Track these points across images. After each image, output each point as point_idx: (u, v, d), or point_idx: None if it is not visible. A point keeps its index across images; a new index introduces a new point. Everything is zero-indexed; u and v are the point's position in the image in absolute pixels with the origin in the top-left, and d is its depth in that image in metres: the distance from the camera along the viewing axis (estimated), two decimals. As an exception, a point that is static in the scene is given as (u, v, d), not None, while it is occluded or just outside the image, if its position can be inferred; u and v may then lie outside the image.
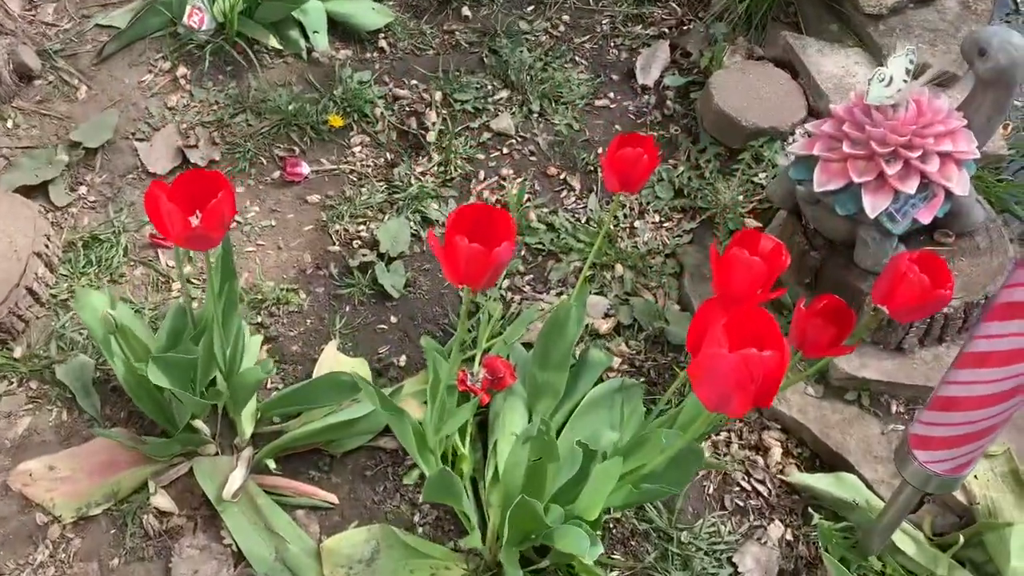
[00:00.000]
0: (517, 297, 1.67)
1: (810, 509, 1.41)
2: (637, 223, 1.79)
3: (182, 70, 2.00)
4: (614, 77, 2.06)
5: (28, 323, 1.59)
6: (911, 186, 1.38)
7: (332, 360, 1.51)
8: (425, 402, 1.46)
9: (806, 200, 1.49)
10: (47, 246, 1.64)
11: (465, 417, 1.20)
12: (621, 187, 1.23)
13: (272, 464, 1.38)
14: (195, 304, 1.63)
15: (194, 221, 1.03)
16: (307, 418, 1.43)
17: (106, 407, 1.50)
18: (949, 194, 1.41)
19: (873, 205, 1.39)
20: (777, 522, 1.41)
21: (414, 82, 2.01)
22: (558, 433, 1.37)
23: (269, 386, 1.54)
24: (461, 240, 0.84)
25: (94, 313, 1.39)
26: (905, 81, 1.36)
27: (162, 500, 1.37)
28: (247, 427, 1.41)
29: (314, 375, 1.49)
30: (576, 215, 1.81)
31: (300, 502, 1.39)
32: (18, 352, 1.55)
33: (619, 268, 1.70)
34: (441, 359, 1.40)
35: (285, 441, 1.39)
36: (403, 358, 1.58)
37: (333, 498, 1.40)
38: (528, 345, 1.52)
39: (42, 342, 1.57)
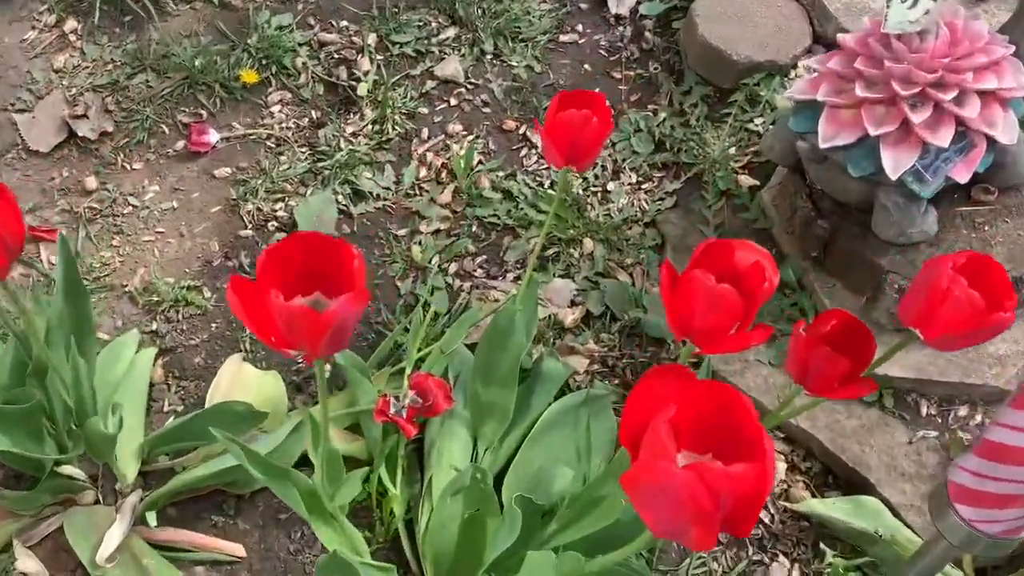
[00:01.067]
0: (466, 284, 1.39)
1: (822, 544, 1.14)
2: (611, 185, 1.49)
3: (71, 24, 1.69)
4: (582, 6, 1.74)
5: None
6: (943, 137, 1.08)
7: (233, 377, 1.24)
8: (348, 428, 1.20)
9: (810, 158, 1.19)
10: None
11: (355, 489, 0.93)
12: (566, 161, 0.94)
13: (152, 519, 1.13)
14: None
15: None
16: (205, 453, 1.18)
17: (-29, 444, 1.25)
18: (992, 143, 1.11)
19: (895, 163, 1.09)
20: (782, 558, 1.16)
21: (344, 23, 1.70)
22: (505, 467, 1.11)
23: (167, 409, 1.28)
24: (277, 297, 0.56)
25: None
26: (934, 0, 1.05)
27: (29, 563, 1.13)
28: (129, 470, 1.16)
29: (208, 397, 1.22)
30: (538, 179, 1.51)
31: (201, 557, 1.15)
32: None
33: (588, 243, 1.42)
34: (364, 380, 1.14)
35: (176, 486, 1.14)
36: (327, 368, 1.31)
37: (240, 550, 1.15)
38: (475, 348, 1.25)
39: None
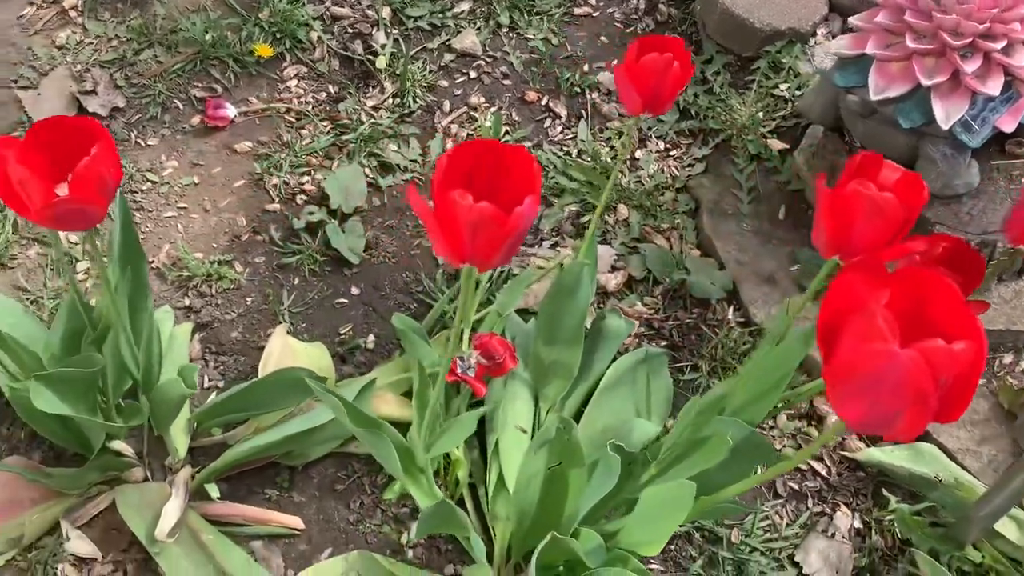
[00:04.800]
0: (503, 252, 1.38)
1: (884, 491, 1.16)
2: (639, 153, 1.50)
3: (70, 0, 1.63)
4: (593, -20, 1.74)
5: None
6: (994, 86, 1.10)
7: (282, 349, 1.20)
8: (404, 394, 1.18)
9: (858, 112, 1.20)
10: (-91, 228, 1.30)
11: (469, 430, 0.91)
12: (645, 107, 0.94)
13: (215, 491, 1.09)
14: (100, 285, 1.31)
15: (61, 191, 0.72)
16: (256, 424, 1.14)
17: (1, 426, 1.19)
18: (1035, 93, 1.14)
19: (946, 113, 1.11)
20: (844, 508, 1.17)
21: (356, -2, 1.67)
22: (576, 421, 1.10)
23: (207, 385, 1.24)
24: (462, 197, 0.55)
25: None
26: (983, -48, 1.08)
27: (80, 545, 1.08)
28: (180, 444, 1.12)
29: (260, 370, 1.19)
30: (564, 148, 1.51)
31: (257, 531, 1.11)
32: None
33: (623, 209, 1.41)
34: (421, 343, 1.11)
35: (229, 460, 1.10)
36: (371, 338, 1.28)
37: (298, 522, 1.12)
38: (525, 314, 1.23)
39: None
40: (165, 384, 0.95)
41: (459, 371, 1.06)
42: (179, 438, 1.12)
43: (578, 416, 1.13)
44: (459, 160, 0.58)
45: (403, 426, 1.13)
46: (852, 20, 1.22)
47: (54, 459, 1.16)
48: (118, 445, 1.10)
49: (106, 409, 1.07)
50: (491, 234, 0.55)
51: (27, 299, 1.29)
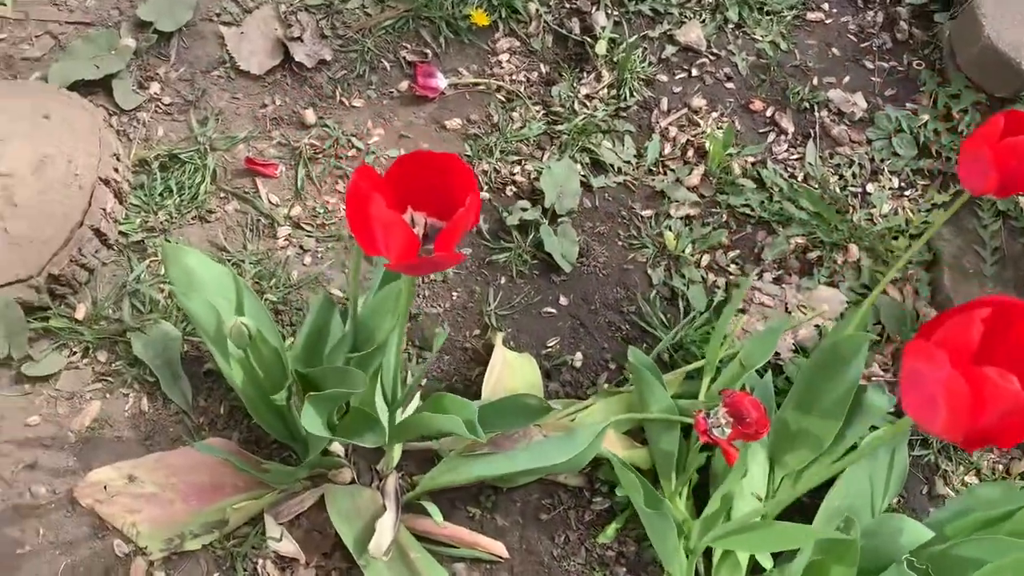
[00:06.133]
0: (719, 279, 1.29)
1: None
2: (870, 187, 1.39)
3: (277, -69, 1.54)
4: (828, -18, 1.61)
5: (93, 272, 1.21)
6: None
7: (502, 364, 1.14)
8: (626, 432, 1.11)
9: None
10: (116, 169, 1.24)
11: (772, 545, 0.85)
12: (997, 188, 0.84)
13: (437, 515, 1.03)
14: (304, 257, 1.25)
15: (410, 217, 0.65)
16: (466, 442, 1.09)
17: (199, 396, 1.15)
18: None
19: None
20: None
21: (577, -30, 1.56)
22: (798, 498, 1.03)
23: (408, 381, 1.18)
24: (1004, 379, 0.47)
25: (188, 278, 1.03)
26: None
27: (286, 545, 1.04)
28: (396, 451, 1.07)
29: (485, 385, 1.12)
30: (790, 169, 1.40)
31: (461, 553, 1.07)
32: (81, 312, 1.18)
33: (853, 250, 1.32)
34: (657, 386, 1.04)
35: (444, 483, 1.05)
36: (578, 356, 1.21)
37: (502, 549, 1.07)
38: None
39: (111, 299, 1.20)
40: (422, 417, 0.89)
41: (708, 430, 0.99)
42: (395, 446, 1.07)
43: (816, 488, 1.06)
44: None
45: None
46: None
47: (253, 442, 1.12)
48: (333, 446, 1.06)
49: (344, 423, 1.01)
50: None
51: (229, 260, 1.24)
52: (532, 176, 1.34)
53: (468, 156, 1.36)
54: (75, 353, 1.17)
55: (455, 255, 0.63)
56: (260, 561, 1.04)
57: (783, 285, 1.28)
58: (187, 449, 1.10)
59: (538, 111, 1.42)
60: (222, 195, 1.30)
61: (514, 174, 1.35)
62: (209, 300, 0.94)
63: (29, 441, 1.11)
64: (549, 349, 1.22)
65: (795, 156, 1.42)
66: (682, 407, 1.06)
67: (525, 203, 1.31)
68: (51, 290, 1.18)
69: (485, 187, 1.34)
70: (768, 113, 1.46)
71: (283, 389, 0.95)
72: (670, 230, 1.31)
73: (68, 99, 1.27)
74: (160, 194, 1.28)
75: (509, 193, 1.34)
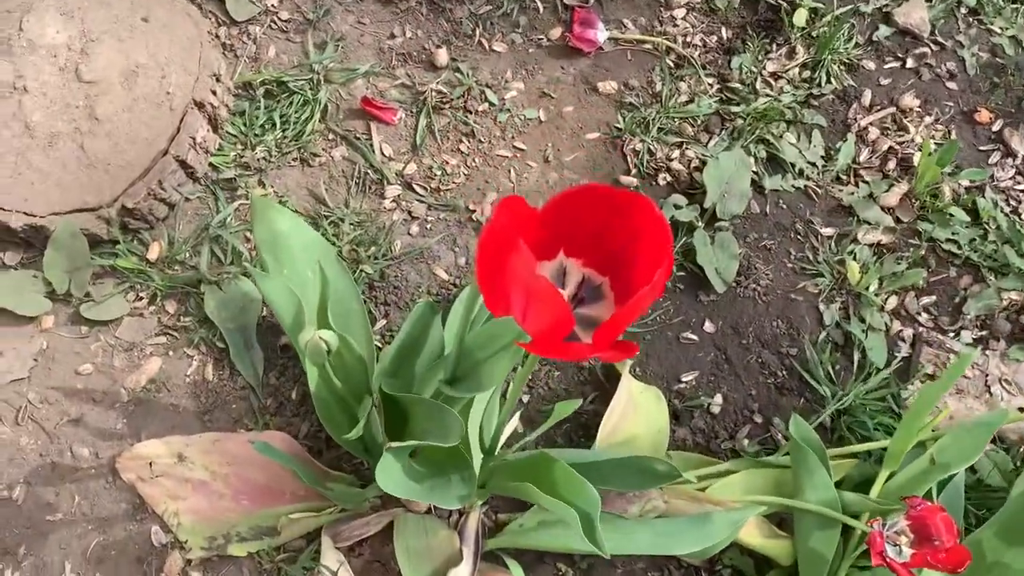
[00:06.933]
0: (906, 331, 1.05)
1: None
2: (1115, 241, 1.10)
3: None
4: (1096, -32, 1.29)
5: (173, 208, 1.06)
6: None
7: (625, 403, 0.93)
8: (768, 517, 0.90)
9: None
10: (214, 92, 1.07)
11: None
12: None
13: (519, 572, 0.85)
14: (411, 225, 1.07)
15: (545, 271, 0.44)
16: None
17: (271, 373, 0.99)
18: None
19: None
20: None
21: (783, -83, 1.28)
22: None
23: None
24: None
25: (273, 241, 0.86)
26: None
27: (343, 574, 0.88)
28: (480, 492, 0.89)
29: (604, 423, 0.92)
30: (1012, 203, 1.13)
31: (535, 619, 0.89)
32: (154, 252, 1.03)
33: (1082, 321, 1.05)
34: (820, 470, 0.83)
35: (533, 543, 0.87)
36: (717, 399, 1.00)
37: (589, 628, 0.89)
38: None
39: (190, 242, 1.04)
40: (530, 491, 0.70)
41: (886, 552, 0.77)
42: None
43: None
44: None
45: (759, 559, 0.87)
46: None
47: (323, 440, 0.96)
48: (410, 471, 0.88)
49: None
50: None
51: (326, 216, 1.06)
52: (693, 165, 1.11)
53: (618, 129, 1.13)
54: (141, 299, 1.02)
55: (621, 350, 0.43)
56: (309, 586, 0.89)
57: (985, 351, 1.03)
58: (248, 436, 0.94)
59: (711, 84, 1.17)
60: (330, 137, 1.12)
61: (671, 159, 1.12)
62: (289, 286, 0.77)
63: (78, 393, 0.98)
64: (683, 385, 1.01)
65: (1022, 187, 1.14)
66: (846, 501, 0.84)
67: (680, 198, 1.08)
68: (124, 223, 1.02)
69: (633, 170, 1.11)
70: (995, 127, 1.18)
71: (362, 402, 0.77)
72: (854, 258, 1.07)
73: (172, 3, 1.10)
74: (261, 126, 1.11)
75: (662, 182, 1.11)
